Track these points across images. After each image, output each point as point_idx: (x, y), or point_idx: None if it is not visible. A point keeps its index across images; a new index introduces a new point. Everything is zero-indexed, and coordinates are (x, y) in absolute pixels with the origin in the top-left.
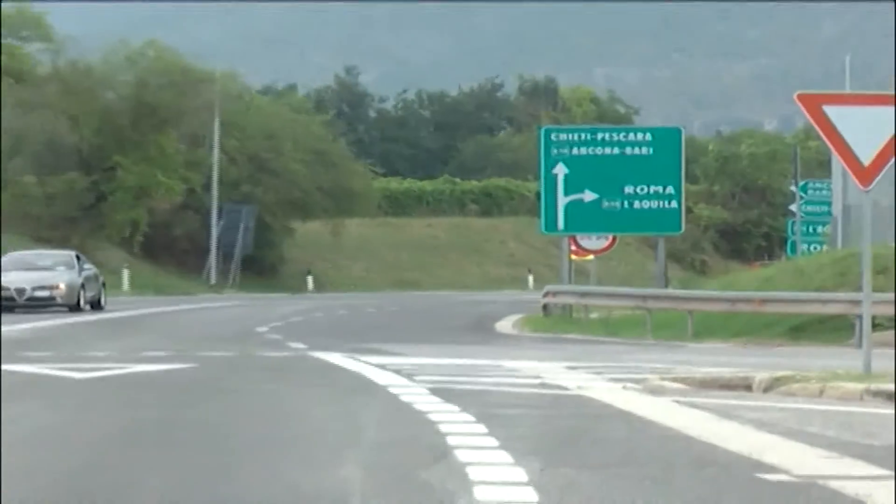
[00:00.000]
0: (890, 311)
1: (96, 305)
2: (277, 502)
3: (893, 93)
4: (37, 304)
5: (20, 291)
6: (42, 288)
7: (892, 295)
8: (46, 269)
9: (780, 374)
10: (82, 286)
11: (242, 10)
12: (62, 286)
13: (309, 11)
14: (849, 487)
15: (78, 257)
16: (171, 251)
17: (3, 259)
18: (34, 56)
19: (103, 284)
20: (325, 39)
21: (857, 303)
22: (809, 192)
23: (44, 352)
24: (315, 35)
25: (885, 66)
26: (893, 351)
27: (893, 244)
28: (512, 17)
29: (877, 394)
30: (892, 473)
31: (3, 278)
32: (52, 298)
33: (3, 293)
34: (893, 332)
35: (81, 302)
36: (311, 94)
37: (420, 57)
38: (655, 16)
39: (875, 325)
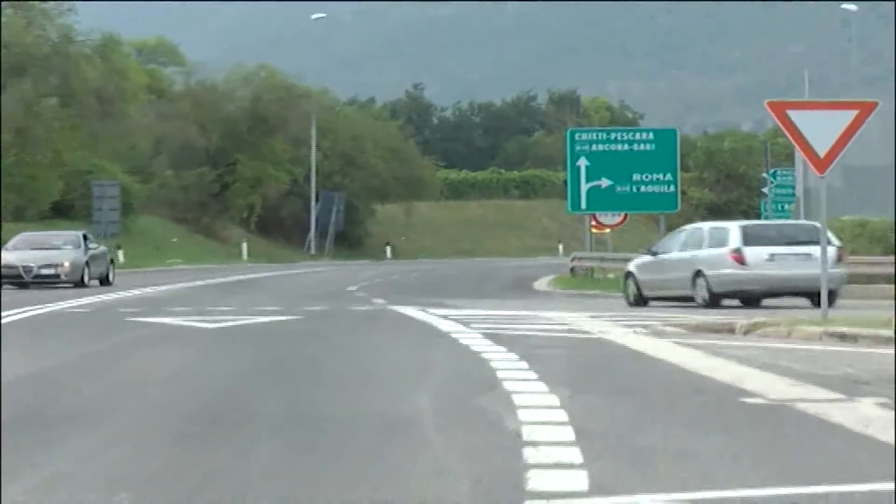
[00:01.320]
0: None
1: (105, 281)
2: (365, 422)
3: (844, 101)
4: (42, 281)
5: (27, 269)
6: (48, 266)
7: (861, 261)
8: (54, 248)
9: (756, 320)
10: (87, 264)
11: (334, 40)
12: (66, 264)
13: (384, 39)
14: (811, 408)
15: (85, 237)
16: (280, 228)
17: (17, 238)
18: (170, 77)
19: (111, 261)
20: (396, 62)
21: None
22: (778, 178)
23: (181, 307)
24: (389, 59)
25: (835, 79)
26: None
27: (846, 218)
28: (543, 43)
29: (832, 335)
30: (844, 396)
31: (13, 256)
32: (56, 276)
33: (13, 271)
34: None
35: (86, 279)
36: (386, 105)
37: (472, 75)
38: (656, 40)
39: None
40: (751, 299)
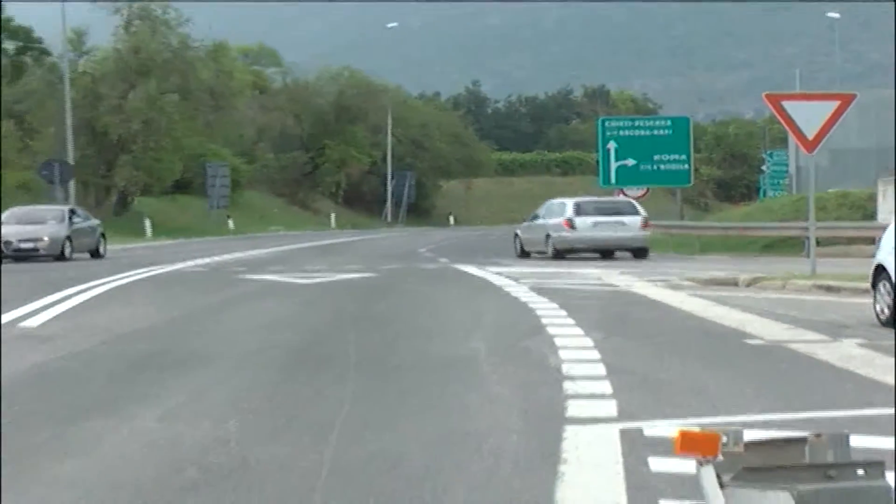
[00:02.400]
0: (826, 234)
1: (95, 254)
2: (433, 362)
3: (829, 93)
4: (22, 255)
5: (7, 243)
6: (27, 240)
7: (828, 223)
8: (38, 222)
9: (756, 275)
10: (68, 238)
11: (405, 44)
12: (46, 238)
13: (447, 44)
14: (802, 348)
15: (72, 212)
16: (362, 201)
17: (7, 213)
18: (270, 76)
19: (102, 235)
20: (457, 63)
21: (805, 228)
22: (774, 158)
23: (279, 267)
24: (451, 60)
25: (822, 75)
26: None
27: (831, 191)
28: (577, 46)
29: (819, 287)
30: (829, 338)
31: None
32: (35, 250)
33: None
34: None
35: (66, 252)
36: (449, 98)
37: (519, 73)
38: (672, 44)
39: (817, 243)
40: (581, 252)
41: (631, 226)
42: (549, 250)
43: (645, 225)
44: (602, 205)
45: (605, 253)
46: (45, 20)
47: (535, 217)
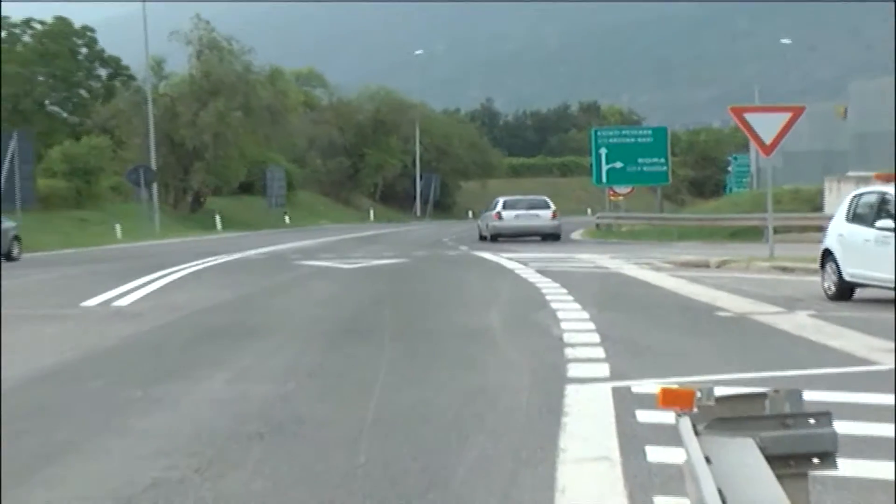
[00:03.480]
0: (781, 223)
1: (8, 257)
2: (456, 332)
3: (783, 105)
4: None
5: None
6: None
7: (783, 214)
8: None
9: (724, 258)
10: None
11: (431, 68)
12: None
13: (466, 67)
14: (763, 318)
15: None
16: (395, 198)
17: None
18: (318, 96)
19: (15, 238)
20: (474, 83)
21: (764, 219)
22: (738, 160)
23: (327, 254)
24: (469, 80)
25: (778, 91)
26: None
27: (786, 187)
28: (574, 68)
29: (777, 268)
30: (786, 310)
31: None
32: None
33: None
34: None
35: None
36: (467, 113)
37: (526, 92)
38: (654, 65)
39: (775, 231)
40: (507, 237)
41: (543, 217)
42: (488, 235)
43: (553, 216)
44: (524, 202)
45: (526, 235)
46: (131, 51)
47: (485, 211)
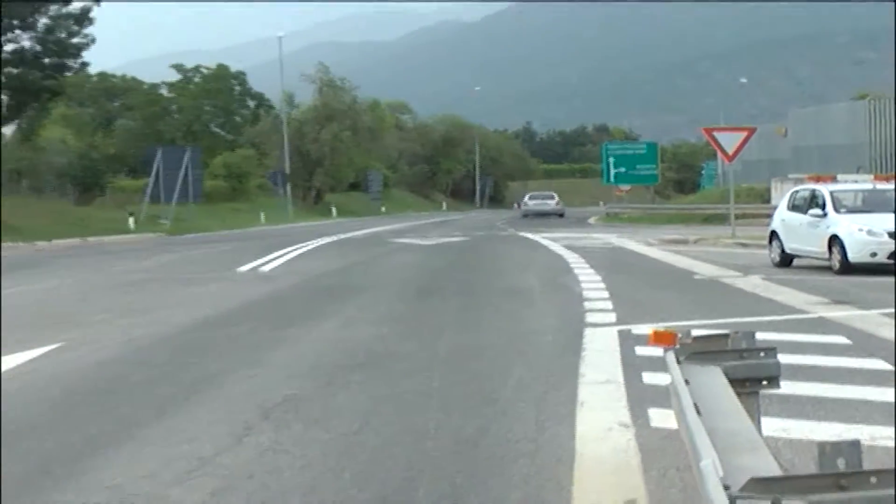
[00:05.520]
0: (740, 212)
1: None
2: (502, 291)
3: (741, 126)
4: None
5: None
6: None
7: (741, 205)
8: None
9: (699, 236)
10: None
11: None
12: None
13: (511, 98)
14: (727, 280)
15: None
16: (461, 194)
17: None
18: (405, 120)
19: None
20: (518, 111)
21: (727, 208)
22: (708, 166)
23: (410, 234)
24: (515, 108)
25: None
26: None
27: (744, 185)
28: (591, 101)
29: (737, 244)
30: (742, 274)
31: None
32: None
33: None
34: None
35: None
36: (513, 132)
37: (555, 117)
38: (647, 96)
39: (735, 217)
40: (532, 215)
41: (551, 203)
42: (520, 215)
43: (557, 203)
44: (539, 195)
45: (545, 216)
46: (271, 87)
47: (521, 200)
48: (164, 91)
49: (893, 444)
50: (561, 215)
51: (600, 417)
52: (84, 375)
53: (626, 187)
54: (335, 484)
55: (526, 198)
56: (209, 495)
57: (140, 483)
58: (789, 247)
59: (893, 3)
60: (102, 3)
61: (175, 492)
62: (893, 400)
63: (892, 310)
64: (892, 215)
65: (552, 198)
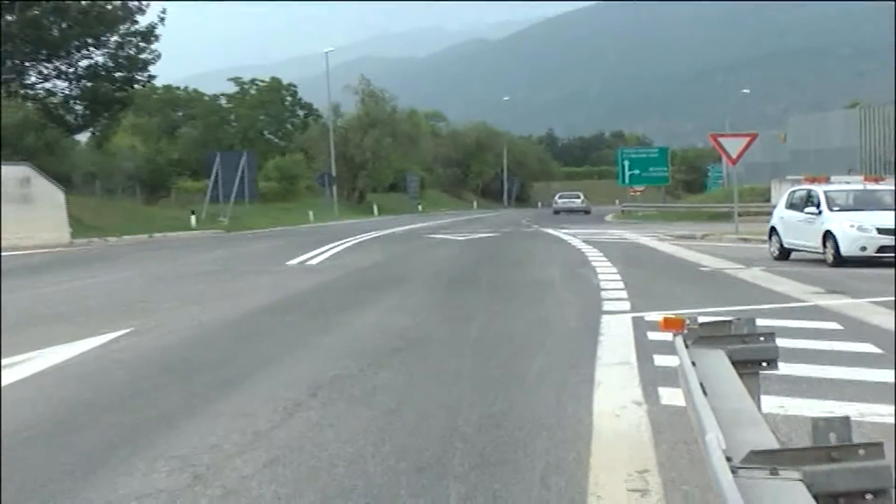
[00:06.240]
0: (742, 210)
1: None
2: (528, 282)
3: (744, 132)
4: None
5: None
6: None
7: (744, 204)
8: None
9: (706, 232)
10: None
11: (514, 107)
12: None
13: (536, 108)
14: (730, 272)
15: None
16: (490, 194)
17: None
18: (440, 127)
19: None
20: (542, 117)
21: (731, 207)
22: (714, 169)
23: (445, 231)
24: (539, 116)
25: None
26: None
27: (746, 185)
28: (607, 109)
29: (740, 238)
30: (745, 266)
31: None
32: None
33: None
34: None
35: None
36: (537, 138)
37: (576, 123)
38: (658, 106)
39: (739, 215)
40: (562, 212)
41: (577, 202)
42: (552, 212)
43: (583, 201)
44: (568, 195)
45: (572, 212)
46: (319, 98)
47: (551, 199)
48: (222, 102)
49: (881, 420)
50: (587, 212)
51: (616, 396)
52: (152, 357)
53: (639, 188)
54: (376, 455)
55: (556, 197)
56: (263, 466)
57: (203, 454)
58: (787, 242)
59: (894, 4)
60: (167, 22)
61: (234, 462)
62: (893, 381)
63: (882, 299)
64: (882, 213)
65: (578, 197)
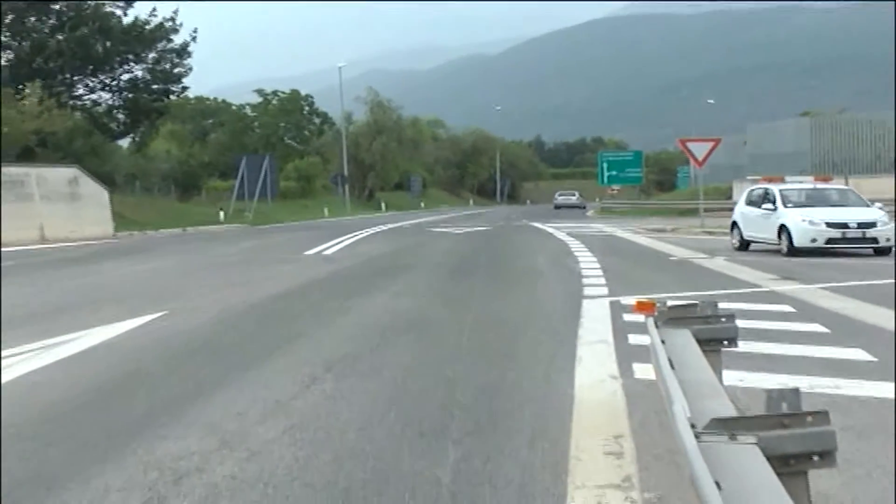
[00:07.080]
0: (707, 207)
1: None
2: (519, 269)
3: (709, 138)
4: None
5: None
6: None
7: (709, 201)
8: None
9: (675, 226)
10: None
11: (508, 115)
12: None
13: (526, 116)
14: (697, 261)
15: None
16: (485, 192)
17: None
18: (440, 133)
19: None
20: (532, 126)
21: (698, 204)
22: (683, 170)
23: (445, 225)
24: (529, 124)
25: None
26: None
27: (711, 185)
28: (589, 117)
29: (706, 232)
30: (709, 256)
31: None
32: None
33: None
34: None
35: None
36: (527, 142)
37: (562, 130)
38: (633, 115)
39: (704, 211)
40: (561, 208)
41: (574, 199)
42: (552, 207)
43: (578, 198)
44: (566, 193)
45: (570, 208)
46: (333, 108)
47: (553, 198)
48: (247, 111)
49: (827, 391)
50: (583, 208)
51: (595, 371)
52: (185, 337)
53: (617, 187)
54: (383, 423)
55: (556, 195)
56: (283, 432)
57: (230, 421)
58: (747, 234)
59: (894, 4)
60: (199, 39)
61: (257, 429)
62: (838, 357)
63: (829, 284)
64: (830, 209)
65: (574, 195)
